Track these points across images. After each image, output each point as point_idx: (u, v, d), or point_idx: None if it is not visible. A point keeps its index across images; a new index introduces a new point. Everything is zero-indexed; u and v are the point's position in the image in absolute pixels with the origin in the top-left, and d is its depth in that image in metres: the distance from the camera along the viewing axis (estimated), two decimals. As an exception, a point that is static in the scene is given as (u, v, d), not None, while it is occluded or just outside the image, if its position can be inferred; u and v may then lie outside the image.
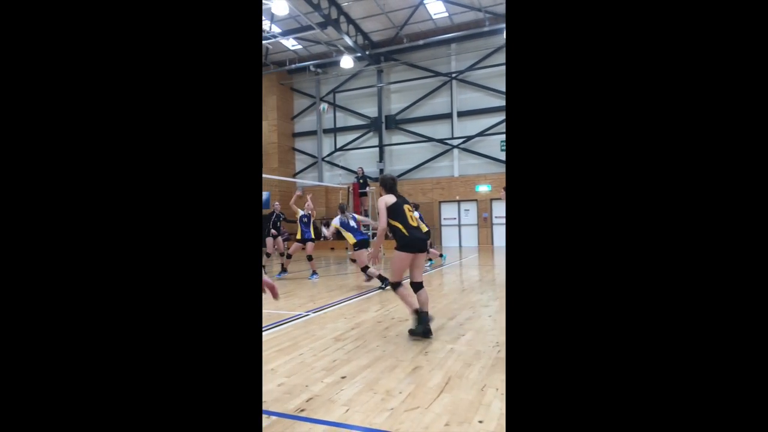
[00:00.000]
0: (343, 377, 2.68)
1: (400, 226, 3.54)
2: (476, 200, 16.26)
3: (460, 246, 16.41)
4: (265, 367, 2.88)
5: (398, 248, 3.55)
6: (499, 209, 15.96)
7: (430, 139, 17.00)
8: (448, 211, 16.84)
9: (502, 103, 15.79)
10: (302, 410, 2.21)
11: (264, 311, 4.45)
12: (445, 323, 4.03)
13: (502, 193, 6.71)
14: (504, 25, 13.83)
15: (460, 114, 16.61)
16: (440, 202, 16.85)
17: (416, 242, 3.54)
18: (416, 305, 3.54)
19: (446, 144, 16.77)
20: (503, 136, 15.65)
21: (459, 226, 16.72)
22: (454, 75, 16.59)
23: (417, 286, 3.61)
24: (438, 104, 16.98)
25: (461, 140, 16.50)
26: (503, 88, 15.62)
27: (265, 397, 2.37)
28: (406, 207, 3.62)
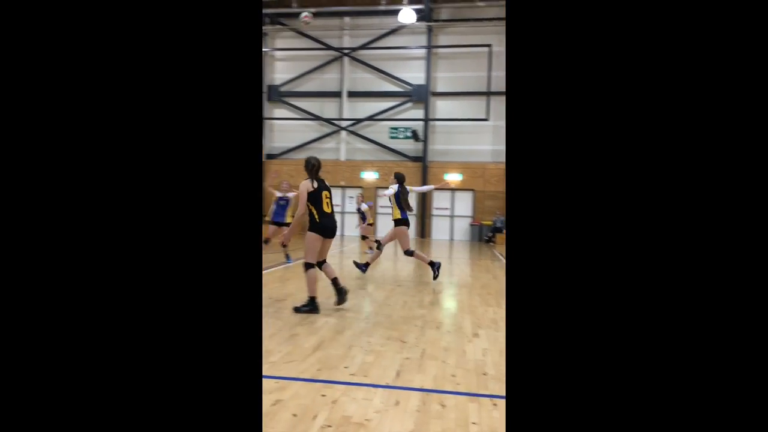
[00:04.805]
0: (225, 343, 3.28)
1: (314, 211, 4.28)
2: (361, 187, 17.31)
3: (342, 234, 17.38)
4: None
5: (310, 229, 4.31)
6: (385, 199, 17.24)
7: (317, 118, 17.52)
8: (331, 197, 17.59)
9: (395, 88, 17.03)
10: (190, 366, 2.78)
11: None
12: (322, 302, 4.81)
13: (443, 183, 7.51)
14: (400, 7, 14.99)
15: (351, 94, 17.43)
16: (324, 186, 17.50)
17: (326, 229, 4.36)
18: (316, 293, 4.35)
19: (334, 124, 17.47)
20: (393, 123, 16.92)
21: (342, 213, 17.64)
22: (346, 51, 17.31)
23: (321, 263, 4.51)
24: (328, 80, 17.56)
25: (350, 122, 17.35)
26: (397, 73, 16.86)
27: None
28: (324, 194, 4.33)
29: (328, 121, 17.47)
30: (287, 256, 8.26)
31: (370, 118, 17.11)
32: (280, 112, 17.83)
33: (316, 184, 4.27)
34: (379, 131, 17.18)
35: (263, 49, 17.43)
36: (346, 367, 2.87)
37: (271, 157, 17.64)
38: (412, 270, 7.92)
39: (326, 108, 17.56)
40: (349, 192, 17.48)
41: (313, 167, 4.35)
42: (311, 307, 4.29)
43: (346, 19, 17.22)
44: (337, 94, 17.48)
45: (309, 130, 17.71)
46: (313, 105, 17.61)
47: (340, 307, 4.55)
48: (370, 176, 17.26)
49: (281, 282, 6.07)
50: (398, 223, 6.55)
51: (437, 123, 16.92)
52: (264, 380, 2.62)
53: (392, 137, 16.93)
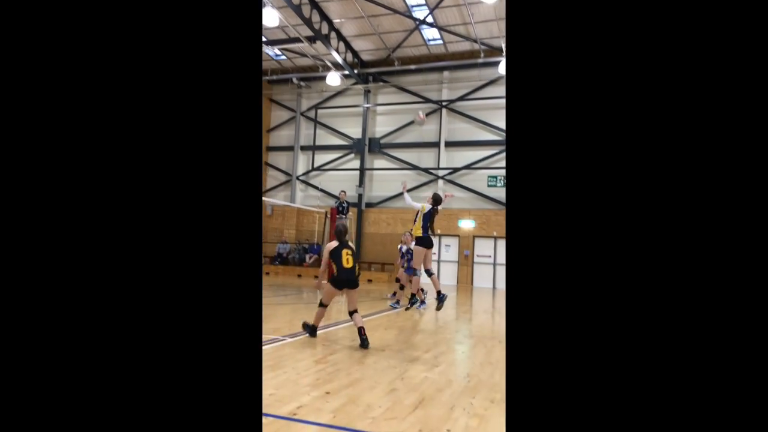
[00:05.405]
0: (327, 392, 3.30)
1: (334, 266, 5.08)
2: (458, 236, 17.12)
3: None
4: (253, 381, 3.44)
5: (329, 281, 5.18)
6: (482, 247, 16.84)
7: (414, 167, 17.93)
8: (427, 245, 17.58)
9: (492, 137, 16.97)
10: (294, 414, 2.82)
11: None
12: (420, 355, 4.70)
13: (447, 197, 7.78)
14: (500, 59, 15.12)
15: (448, 144, 17.67)
16: (420, 234, 17.60)
17: (341, 282, 5.08)
18: (317, 324, 5.26)
19: (431, 174, 17.72)
20: (491, 171, 16.75)
21: (438, 261, 17.47)
22: (444, 103, 17.74)
23: (352, 312, 5.16)
24: (426, 132, 18.02)
25: (447, 171, 17.49)
26: (494, 122, 16.85)
27: (259, 403, 2.94)
28: (344, 251, 5.11)
29: (426, 170, 17.78)
30: (398, 301, 8.63)
31: (468, 166, 17.12)
32: (379, 162, 18.55)
33: (337, 244, 5.14)
34: (477, 179, 17.08)
35: (366, 105, 18.49)
36: (448, 431, 2.73)
37: (369, 205, 18.24)
38: (514, 325, 7.49)
39: (424, 158, 17.93)
40: (445, 240, 17.36)
41: (339, 232, 5.26)
42: (309, 330, 5.22)
43: (445, 73, 17.76)
44: (435, 145, 17.83)
45: (407, 179, 18.11)
46: (411, 155, 18.09)
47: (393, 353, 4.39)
48: (467, 224, 17.06)
49: (384, 329, 6.07)
50: (419, 241, 7.06)
51: (538, 171, 16.39)
52: (365, 436, 2.58)
53: (491, 185, 16.70)
